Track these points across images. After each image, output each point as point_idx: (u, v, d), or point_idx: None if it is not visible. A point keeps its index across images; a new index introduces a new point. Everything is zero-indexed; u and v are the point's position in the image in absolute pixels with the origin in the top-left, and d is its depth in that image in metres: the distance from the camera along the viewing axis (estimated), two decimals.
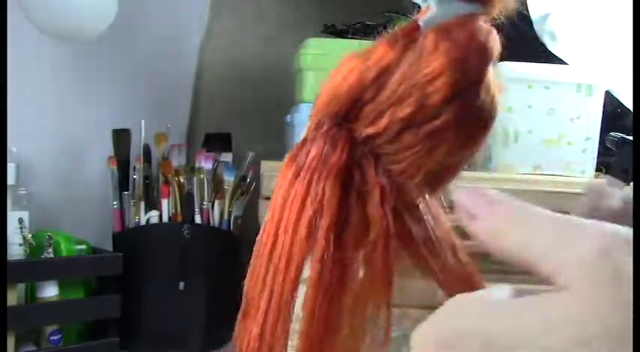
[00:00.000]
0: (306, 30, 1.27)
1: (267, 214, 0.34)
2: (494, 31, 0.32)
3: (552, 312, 0.20)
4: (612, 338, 0.19)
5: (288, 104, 1.24)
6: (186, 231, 1.19)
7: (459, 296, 0.26)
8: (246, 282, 0.34)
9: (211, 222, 1.23)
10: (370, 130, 0.32)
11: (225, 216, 1.25)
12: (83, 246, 1.13)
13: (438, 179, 0.35)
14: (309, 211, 0.32)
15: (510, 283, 0.95)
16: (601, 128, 1.13)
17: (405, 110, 0.31)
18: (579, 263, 0.21)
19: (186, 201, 1.21)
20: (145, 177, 1.23)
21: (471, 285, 0.37)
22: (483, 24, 0.32)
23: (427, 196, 0.35)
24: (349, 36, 1.26)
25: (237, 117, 1.46)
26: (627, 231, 0.21)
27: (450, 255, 0.37)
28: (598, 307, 0.19)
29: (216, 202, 1.24)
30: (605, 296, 0.19)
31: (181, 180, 1.22)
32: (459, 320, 0.24)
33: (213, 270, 1.23)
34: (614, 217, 0.36)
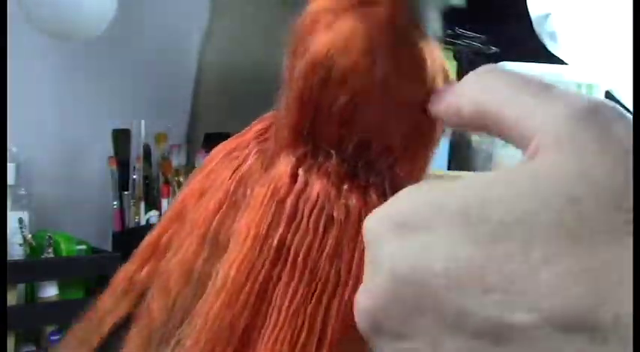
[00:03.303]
0: None
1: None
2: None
3: (540, 173, 0.19)
4: (601, 195, 0.18)
5: None
6: None
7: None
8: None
9: None
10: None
11: None
12: (83, 246, 1.12)
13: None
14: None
15: None
16: None
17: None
18: (566, 119, 0.20)
19: None
20: (145, 177, 1.23)
21: None
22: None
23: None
24: None
25: (237, 117, 1.45)
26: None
27: None
28: (585, 164, 0.18)
29: None
30: (592, 152, 0.19)
31: (181, 180, 1.22)
32: (430, 194, 0.21)
33: None
34: None
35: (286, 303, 0.29)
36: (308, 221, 0.30)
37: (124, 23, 1.18)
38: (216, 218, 0.32)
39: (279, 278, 0.29)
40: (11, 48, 0.97)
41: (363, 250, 0.30)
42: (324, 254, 0.30)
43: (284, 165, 0.31)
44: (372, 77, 0.30)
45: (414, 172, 0.33)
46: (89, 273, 1.13)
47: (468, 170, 1.14)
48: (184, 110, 1.47)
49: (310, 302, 0.29)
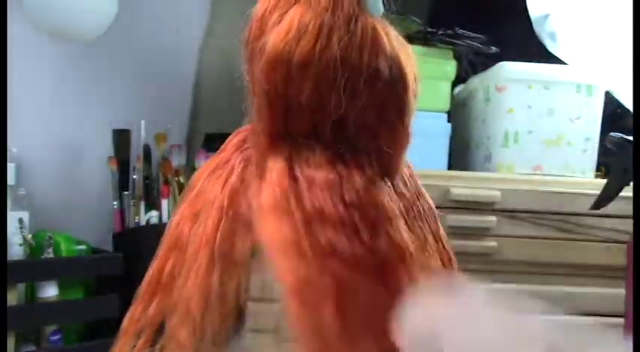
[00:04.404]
0: None
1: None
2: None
3: None
4: None
5: None
6: None
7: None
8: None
9: None
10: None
11: None
12: (83, 246, 1.12)
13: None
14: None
15: (507, 283, 0.94)
16: (601, 128, 1.13)
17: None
18: None
19: None
20: (145, 177, 1.23)
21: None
22: None
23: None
24: None
25: (238, 118, 1.45)
26: None
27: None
28: None
29: None
30: None
31: (181, 180, 1.22)
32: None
33: None
34: None
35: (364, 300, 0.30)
36: (332, 214, 0.30)
37: (124, 23, 1.18)
38: (219, 234, 0.32)
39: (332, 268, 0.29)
40: (11, 48, 0.97)
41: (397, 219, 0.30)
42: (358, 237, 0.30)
43: (276, 170, 0.31)
44: (332, 55, 0.30)
45: (397, 144, 0.33)
46: (89, 273, 1.13)
47: (468, 170, 1.14)
48: (184, 110, 1.47)
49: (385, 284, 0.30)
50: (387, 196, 0.32)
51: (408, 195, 0.34)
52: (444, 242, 0.36)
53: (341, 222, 0.30)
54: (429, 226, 0.36)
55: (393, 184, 0.33)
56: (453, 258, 0.35)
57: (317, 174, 0.31)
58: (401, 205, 0.32)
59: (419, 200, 0.36)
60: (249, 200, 0.32)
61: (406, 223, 0.32)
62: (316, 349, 0.29)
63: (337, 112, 0.31)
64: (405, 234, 0.31)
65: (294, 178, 0.31)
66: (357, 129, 0.32)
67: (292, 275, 0.29)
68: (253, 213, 0.32)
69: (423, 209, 0.35)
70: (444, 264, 0.35)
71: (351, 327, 0.29)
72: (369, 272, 0.29)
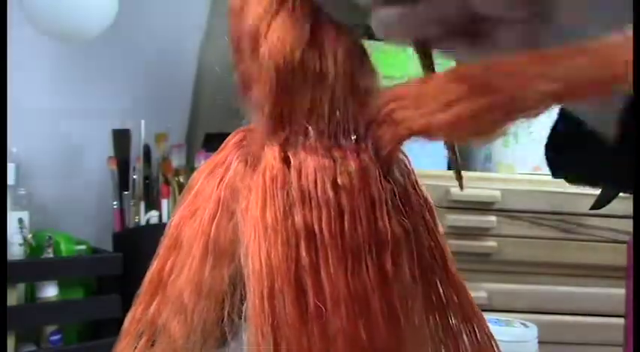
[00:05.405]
0: None
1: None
2: None
3: None
4: None
5: None
6: None
7: None
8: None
9: None
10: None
11: None
12: (83, 246, 1.13)
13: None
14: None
15: (507, 283, 0.95)
16: None
17: None
18: None
19: None
20: (145, 177, 1.23)
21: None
22: None
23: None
24: None
25: (237, 118, 1.45)
26: None
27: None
28: None
29: None
30: None
31: (181, 180, 1.22)
32: None
33: None
34: None
35: (342, 286, 0.29)
36: (317, 197, 0.29)
37: (124, 23, 1.18)
38: (214, 225, 0.32)
39: (315, 261, 0.29)
40: (11, 48, 0.97)
41: (387, 206, 0.30)
42: (348, 226, 0.29)
43: (270, 154, 0.31)
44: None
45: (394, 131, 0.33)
46: (89, 273, 1.13)
47: (468, 170, 1.14)
48: (184, 110, 1.47)
49: (366, 271, 0.29)
50: (379, 182, 0.31)
51: (402, 184, 0.34)
52: (438, 237, 0.35)
53: (326, 206, 0.29)
54: (423, 219, 0.35)
55: (388, 170, 0.33)
56: (447, 255, 0.35)
57: (311, 157, 0.30)
58: (395, 190, 0.32)
59: (415, 191, 0.35)
60: (240, 190, 0.32)
61: (397, 211, 0.31)
62: (271, 341, 0.28)
63: (337, 86, 0.31)
64: (393, 222, 0.30)
65: (286, 162, 0.31)
66: (355, 109, 0.31)
67: (259, 260, 0.29)
68: (241, 202, 0.31)
69: (417, 201, 0.35)
70: (435, 259, 0.34)
71: (311, 321, 0.28)
72: (345, 259, 0.29)
